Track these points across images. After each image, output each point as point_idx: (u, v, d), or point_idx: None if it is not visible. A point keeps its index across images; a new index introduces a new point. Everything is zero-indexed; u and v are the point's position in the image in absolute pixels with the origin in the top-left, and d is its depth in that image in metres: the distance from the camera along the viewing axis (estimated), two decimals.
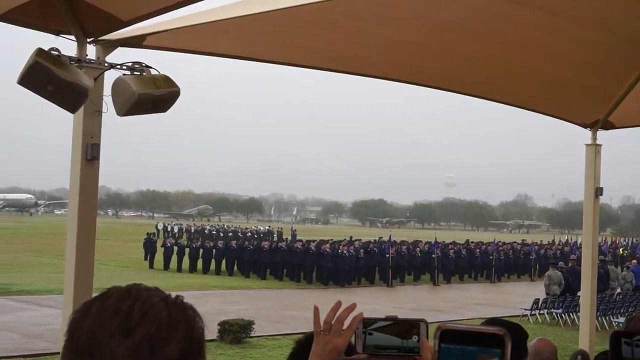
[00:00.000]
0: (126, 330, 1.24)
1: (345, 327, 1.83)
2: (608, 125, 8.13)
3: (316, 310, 1.88)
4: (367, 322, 1.74)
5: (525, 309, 24.88)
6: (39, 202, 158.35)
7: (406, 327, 1.71)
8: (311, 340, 2.40)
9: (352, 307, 1.83)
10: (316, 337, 1.85)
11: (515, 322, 3.46)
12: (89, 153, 5.09)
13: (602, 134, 8.31)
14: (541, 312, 24.95)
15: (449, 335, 1.20)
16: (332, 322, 1.84)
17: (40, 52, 4.38)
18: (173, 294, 1.39)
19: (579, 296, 17.25)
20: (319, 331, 1.85)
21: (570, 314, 24.13)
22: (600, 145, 8.29)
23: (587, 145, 8.31)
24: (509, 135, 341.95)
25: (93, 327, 1.25)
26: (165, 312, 1.29)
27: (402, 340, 1.70)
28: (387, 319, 1.73)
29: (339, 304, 1.86)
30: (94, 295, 1.35)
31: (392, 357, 1.71)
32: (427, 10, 5.06)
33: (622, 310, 24.62)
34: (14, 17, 4.63)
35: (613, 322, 23.43)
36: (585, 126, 8.23)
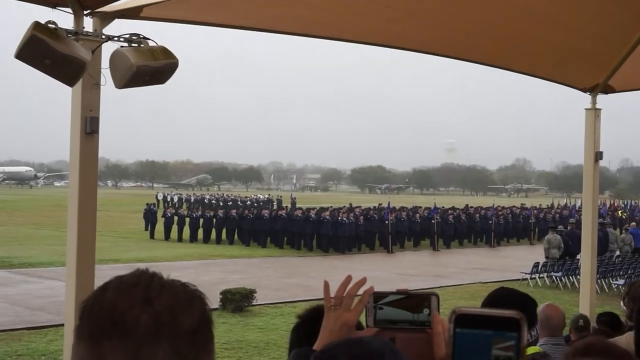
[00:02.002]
0: (147, 299, 1.28)
1: (355, 301, 1.83)
2: (608, 89, 8.11)
3: (326, 285, 1.87)
4: (377, 297, 1.74)
5: (525, 273, 24.99)
6: (39, 174, 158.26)
7: (417, 301, 1.71)
8: (313, 312, 2.40)
9: (363, 282, 1.82)
10: (327, 311, 1.85)
11: (524, 293, 3.49)
12: (88, 126, 5.08)
13: (601, 98, 8.29)
14: (541, 275, 25.08)
15: (464, 319, 1.19)
16: (343, 297, 1.84)
17: (37, 25, 4.34)
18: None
19: (579, 259, 17.36)
20: (329, 306, 1.85)
21: (570, 277, 24.29)
22: (600, 109, 8.28)
23: (586, 109, 8.30)
24: (507, 100, 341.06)
25: (114, 298, 1.29)
26: (181, 286, 1.35)
27: (413, 314, 1.70)
28: (398, 292, 1.74)
29: (349, 278, 1.85)
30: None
31: (403, 331, 1.71)
32: None
33: (621, 273, 24.78)
34: None
35: (612, 285, 23.61)
36: (585, 90, 8.21)
